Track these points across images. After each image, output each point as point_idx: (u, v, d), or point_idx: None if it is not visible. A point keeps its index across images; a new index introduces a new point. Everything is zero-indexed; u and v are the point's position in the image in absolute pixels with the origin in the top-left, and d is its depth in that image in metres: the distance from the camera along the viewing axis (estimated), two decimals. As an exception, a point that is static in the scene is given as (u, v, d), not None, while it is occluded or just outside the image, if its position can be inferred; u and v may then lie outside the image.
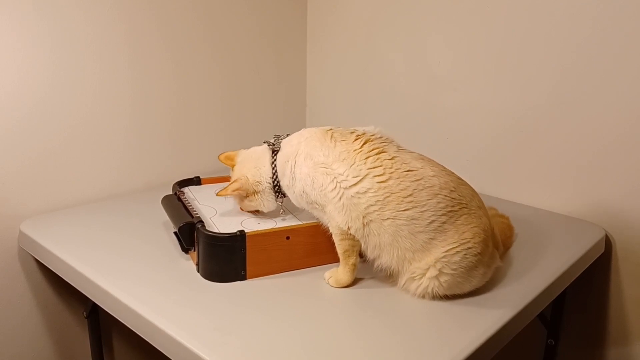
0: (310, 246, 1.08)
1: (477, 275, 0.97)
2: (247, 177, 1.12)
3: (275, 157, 1.11)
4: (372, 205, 0.96)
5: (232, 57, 1.69)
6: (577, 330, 1.44)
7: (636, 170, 1.27)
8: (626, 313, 1.35)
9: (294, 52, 1.88)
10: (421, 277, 0.96)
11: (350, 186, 0.97)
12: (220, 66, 1.66)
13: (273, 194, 1.12)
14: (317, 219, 1.07)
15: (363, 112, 1.79)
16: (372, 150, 1.00)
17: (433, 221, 0.94)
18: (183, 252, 1.10)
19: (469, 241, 0.94)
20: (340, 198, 0.98)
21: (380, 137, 1.03)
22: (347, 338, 0.89)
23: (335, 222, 1.00)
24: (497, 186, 1.51)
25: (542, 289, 1.03)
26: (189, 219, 1.07)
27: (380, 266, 1.00)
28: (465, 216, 0.96)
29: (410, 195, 0.94)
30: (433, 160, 1.02)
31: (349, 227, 0.98)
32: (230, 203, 1.23)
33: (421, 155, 1.02)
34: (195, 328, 0.88)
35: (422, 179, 0.96)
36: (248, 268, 1.04)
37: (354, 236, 0.99)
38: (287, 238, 1.06)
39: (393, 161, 0.98)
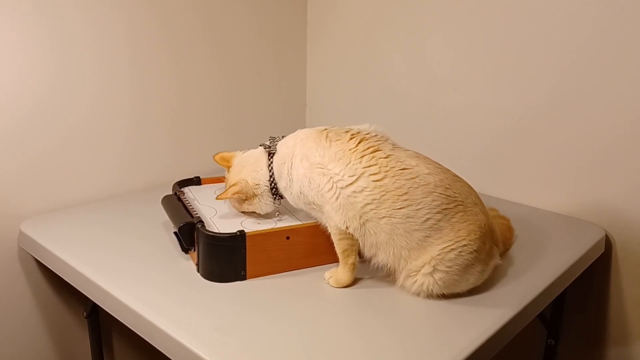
0: (310, 246, 1.08)
1: (475, 273, 0.97)
2: (247, 180, 1.12)
3: (271, 160, 1.11)
4: (368, 204, 0.96)
5: (232, 57, 1.69)
6: (577, 330, 1.44)
7: (636, 170, 1.27)
8: (626, 313, 1.35)
9: (294, 52, 1.88)
10: (416, 274, 0.96)
11: (347, 185, 0.97)
12: (220, 66, 1.66)
13: (271, 196, 1.13)
14: (316, 219, 1.07)
15: (363, 112, 1.79)
16: (367, 149, 1.00)
17: (428, 219, 0.94)
18: (183, 252, 1.11)
19: (464, 239, 0.94)
20: (337, 198, 0.98)
21: (375, 135, 1.04)
22: (347, 338, 0.89)
23: (333, 221, 1.00)
24: (497, 186, 1.51)
25: (542, 288, 1.03)
26: (189, 219, 1.07)
27: (376, 264, 1.00)
28: (460, 214, 0.96)
29: (406, 193, 0.95)
30: (428, 158, 1.02)
31: (347, 227, 0.99)
32: (230, 203, 1.23)
33: (416, 153, 1.02)
34: (195, 328, 0.88)
35: (417, 177, 0.96)
36: (248, 268, 1.04)
37: (352, 235, 0.99)
38: (287, 238, 1.06)
39: (388, 159, 0.98)
